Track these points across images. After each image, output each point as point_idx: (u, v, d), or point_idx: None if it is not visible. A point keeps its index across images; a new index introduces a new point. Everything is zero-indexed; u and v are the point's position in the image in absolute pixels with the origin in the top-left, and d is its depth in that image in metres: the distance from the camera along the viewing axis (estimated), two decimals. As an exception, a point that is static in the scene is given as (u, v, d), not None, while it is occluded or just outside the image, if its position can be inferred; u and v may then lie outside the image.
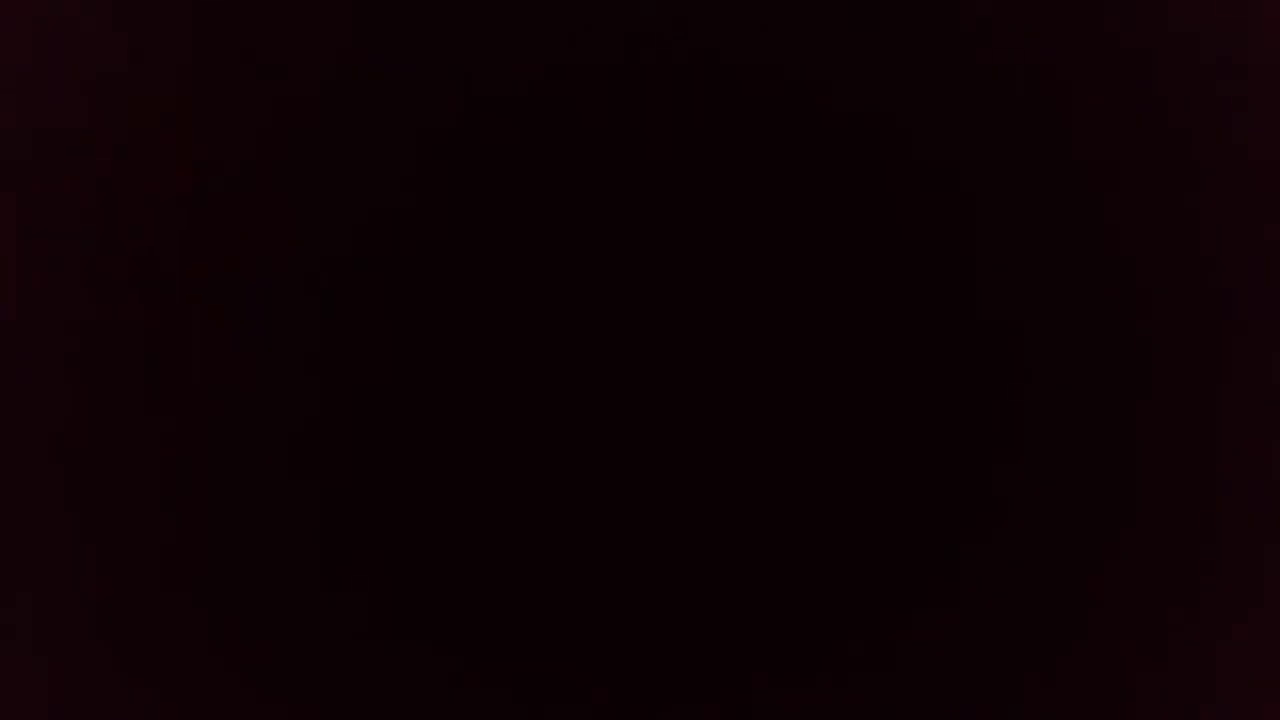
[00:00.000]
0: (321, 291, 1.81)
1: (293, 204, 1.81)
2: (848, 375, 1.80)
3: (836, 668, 1.78)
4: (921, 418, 1.80)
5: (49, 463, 1.79)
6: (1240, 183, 1.81)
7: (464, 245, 1.82)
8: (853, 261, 1.81)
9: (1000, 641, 1.78)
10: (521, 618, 1.79)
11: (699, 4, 1.82)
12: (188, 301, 1.80)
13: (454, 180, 1.82)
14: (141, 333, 1.80)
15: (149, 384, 1.80)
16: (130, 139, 1.81)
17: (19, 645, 1.77)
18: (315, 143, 1.81)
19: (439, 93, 1.82)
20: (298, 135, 1.81)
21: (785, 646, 1.78)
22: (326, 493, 1.79)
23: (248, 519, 1.79)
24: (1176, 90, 1.82)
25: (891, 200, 1.81)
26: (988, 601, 1.78)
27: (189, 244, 1.81)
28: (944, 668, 1.78)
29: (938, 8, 1.81)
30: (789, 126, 1.82)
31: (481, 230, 1.82)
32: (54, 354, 1.80)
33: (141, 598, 1.78)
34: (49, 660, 1.78)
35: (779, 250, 1.81)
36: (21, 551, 1.78)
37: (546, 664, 1.79)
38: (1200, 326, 1.80)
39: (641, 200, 1.82)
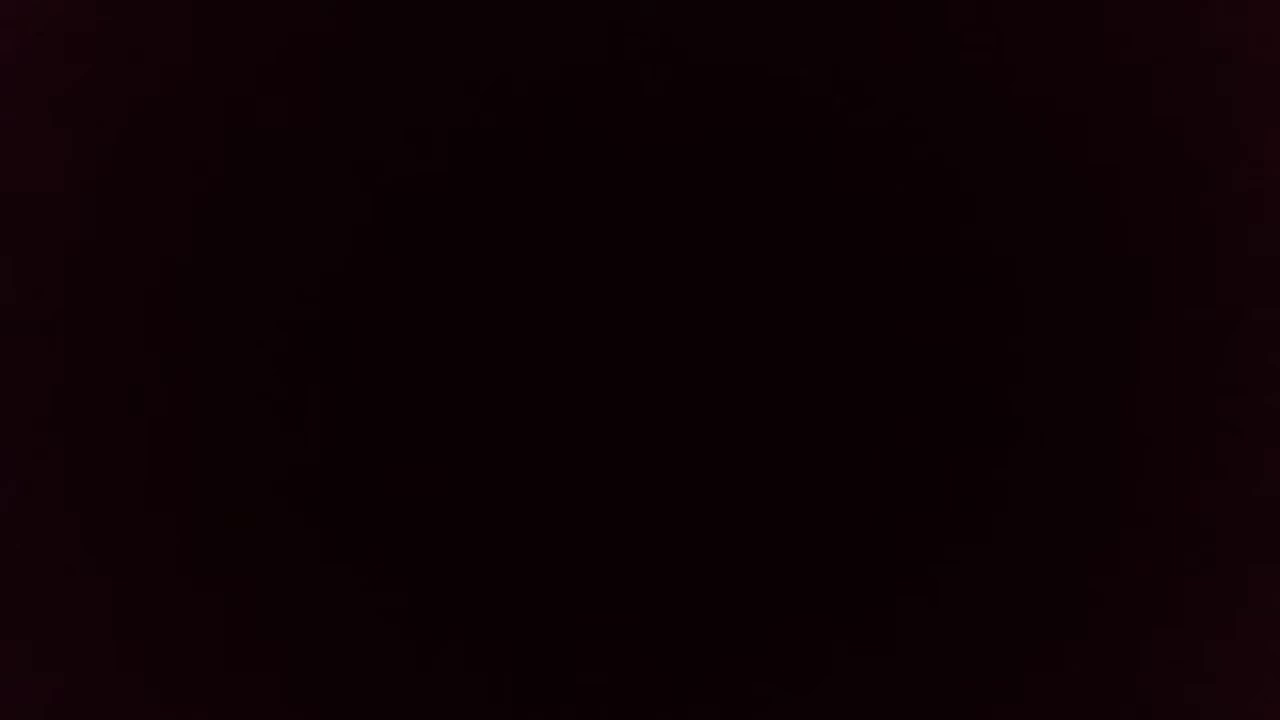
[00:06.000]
0: (322, 291, 1.81)
1: (292, 202, 1.81)
2: (846, 375, 1.80)
3: (834, 667, 1.78)
4: (919, 417, 1.80)
5: (47, 462, 1.79)
6: (1241, 183, 1.81)
7: (462, 244, 1.82)
8: (851, 261, 1.81)
9: (997, 641, 1.78)
10: (520, 616, 1.79)
11: (701, 5, 1.82)
12: (190, 299, 1.80)
13: (452, 180, 1.82)
14: (141, 331, 1.80)
15: (150, 383, 1.80)
16: (129, 137, 1.81)
17: (18, 645, 1.77)
18: (314, 142, 1.81)
19: (436, 92, 1.82)
20: (297, 135, 1.81)
21: (782, 647, 1.79)
22: (327, 491, 1.79)
23: (247, 518, 1.79)
24: (1175, 89, 1.82)
25: (890, 201, 1.81)
26: (984, 602, 1.79)
27: (188, 241, 1.81)
28: (941, 667, 1.78)
29: (941, 10, 1.81)
30: (786, 127, 1.82)
31: (480, 230, 1.82)
32: (53, 352, 1.80)
33: (140, 597, 1.78)
34: (47, 659, 1.78)
35: (778, 249, 1.81)
36: (20, 550, 1.78)
37: (545, 663, 1.79)
38: (1198, 325, 1.80)
39: (641, 201, 1.82)
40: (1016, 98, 1.82)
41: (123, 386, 1.79)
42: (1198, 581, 1.79)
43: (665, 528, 1.80)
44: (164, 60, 1.82)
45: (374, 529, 1.79)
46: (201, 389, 1.80)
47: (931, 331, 1.80)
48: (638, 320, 1.81)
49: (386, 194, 1.82)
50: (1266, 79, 1.82)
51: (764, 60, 1.82)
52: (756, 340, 1.81)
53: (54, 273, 1.80)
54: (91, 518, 1.78)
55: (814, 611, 1.79)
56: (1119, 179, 1.82)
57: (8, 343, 1.79)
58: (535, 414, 1.81)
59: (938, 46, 1.82)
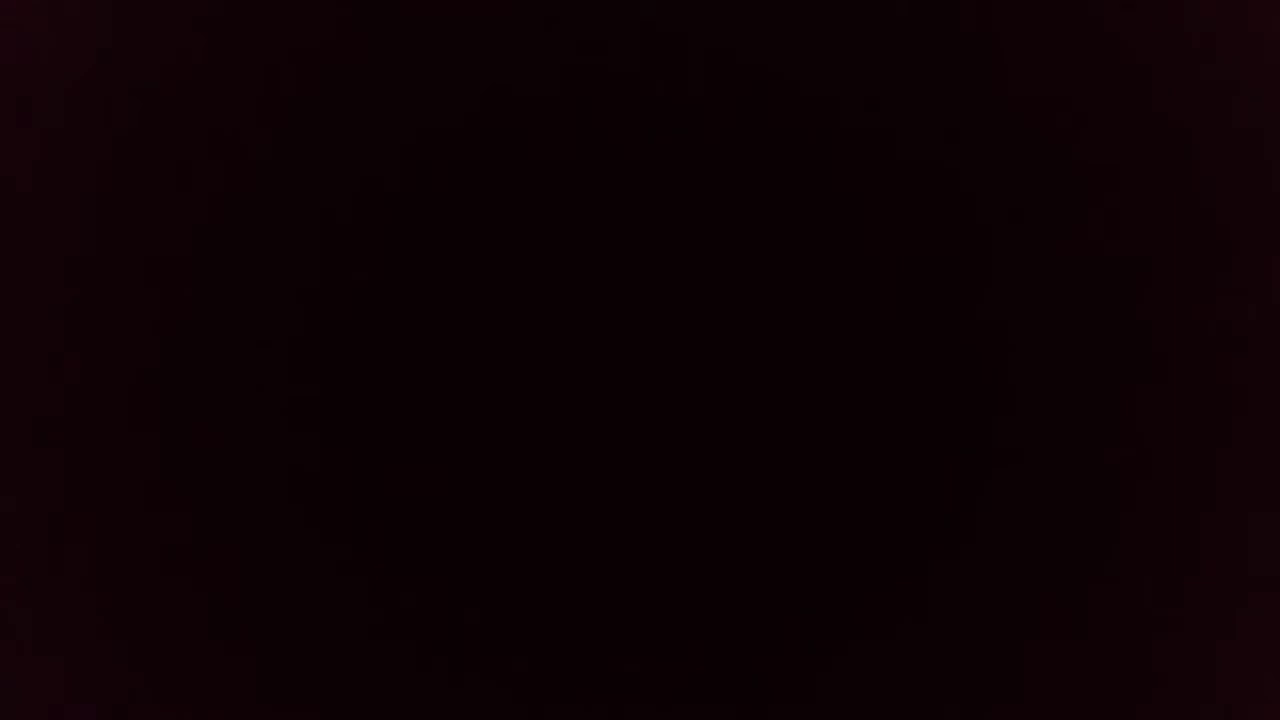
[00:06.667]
0: (323, 290, 1.81)
1: (293, 202, 1.81)
2: (848, 376, 1.80)
3: (835, 669, 1.78)
4: (918, 418, 1.80)
5: (47, 462, 1.79)
6: (1240, 182, 1.81)
7: (464, 244, 1.82)
8: (852, 262, 1.81)
9: (997, 644, 1.78)
10: (521, 617, 1.79)
11: (699, 7, 1.82)
12: (189, 299, 1.80)
13: (453, 180, 1.82)
14: (141, 331, 1.80)
15: (151, 383, 1.80)
16: (130, 136, 1.81)
17: (19, 645, 1.78)
18: (315, 141, 1.82)
19: (439, 93, 1.83)
20: (299, 134, 1.81)
21: (783, 648, 1.78)
22: (329, 491, 1.80)
23: (246, 517, 1.79)
24: (1174, 90, 1.82)
25: (890, 201, 1.81)
26: (983, 604, 1.78)
27: (188, 241, 1.81)
28: (941, 670, 1.78)
29: (942, 13, 1.81)
30: (784, 129, 1.82)
31: (481, 230, 1.82)
32: (54, 352, 1.80)
33: (141, 597, 1.78)
34: (47, 659, 1.78)
35: (777, 249, 1.81)
36: (20, 550, 1.78)
37: (544, 663, 1.79)
38: (1198, 325, 1.80)
39: (641, 202, 1.82)
40: (1016, 97, 1.82)
41: (123, 386, 1.80)
42: (1198, 583, 1.78)
43: (667, 527, 1.80)
44: (164, 60, 1.82)
45: (376, 530, 1.79)
46: (202, 389, 1.80)
47: (931, 333, 1.80)
48: (641, 322, 1.81)
49: (388, 194, 1.82)
50: (1267, 79, 1.82)
51: (763, 60, 1.82)
52: (758, 342, 1.81)
53: (54, 272, 1.81)
54: (92, 517, 1.79)
55: (814, 614, 1.79)
56: (1119, 178, 1.82)
57: (8, 343, 1.80)
58: (537, 415, 1.81)
59: (937, 45, 1.82)
